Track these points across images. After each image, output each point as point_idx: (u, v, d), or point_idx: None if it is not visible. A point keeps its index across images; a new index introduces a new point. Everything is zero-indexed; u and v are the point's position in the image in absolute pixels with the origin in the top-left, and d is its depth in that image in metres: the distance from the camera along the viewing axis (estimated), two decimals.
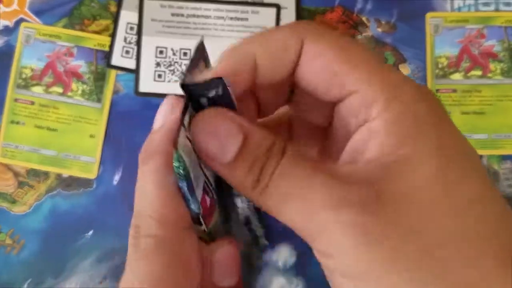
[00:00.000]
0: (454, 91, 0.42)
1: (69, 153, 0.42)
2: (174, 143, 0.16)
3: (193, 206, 0.17)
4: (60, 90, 0.42)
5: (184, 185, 0.17)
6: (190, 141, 0.17)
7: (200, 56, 0.18)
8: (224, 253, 0.19)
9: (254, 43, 0.18)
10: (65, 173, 0.41)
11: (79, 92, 0.42)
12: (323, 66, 0.17)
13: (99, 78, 0.42)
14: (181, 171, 0.16)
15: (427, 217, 0.15)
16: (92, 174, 0.41)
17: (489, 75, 0.42)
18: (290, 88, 0.20)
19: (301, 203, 0.16)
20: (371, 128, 0.17)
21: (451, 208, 0.15)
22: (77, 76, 0.42)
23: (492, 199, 0.16)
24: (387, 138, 0.16)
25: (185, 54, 0.42)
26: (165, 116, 0.18)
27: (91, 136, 0.42)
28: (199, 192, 0.18)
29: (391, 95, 0.16)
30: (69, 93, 0.42)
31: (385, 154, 0.16)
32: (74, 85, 0.42)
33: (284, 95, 0.20)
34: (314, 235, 0.16)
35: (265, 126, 0.19)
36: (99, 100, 0.42)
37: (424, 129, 0.16)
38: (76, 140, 0.42)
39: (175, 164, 0.16)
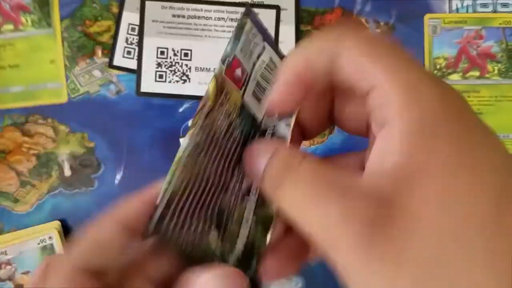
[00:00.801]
0: None
1: (36, 84, 0.43)
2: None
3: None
4: (11, 27, 0.43)
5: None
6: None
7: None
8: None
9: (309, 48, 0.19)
10: (38, 103, 0.42)
11: (29, 23, 0.43)
12: (352, 59, 0.18)
13: (44, 4, 0.43)
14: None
15: (429, 237, 0.15)
16: (62, 99, 0.42)
17: (487, 75, 0.42)
18: (331, 98, 0.21)
19: (316, 216, 0.16)
20: (388, 134, 0.16)
21: (452, 230, 0.15)
22: (23, 9, 0.43)
23: (503, 223, 0.15)
24: (402, 147, 0.16)
25: (185, 54, 0.43)
26: None
27: (51, 61, 0.43)
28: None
29: (409, 97, 0.16)
30: (20, 27, 0.43)
31: (400, 165, 0.16)
32: (23, 18, 0.43)
33: (324, 111, 0.21)
34: (326, 248, 0.16)
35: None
36: (49, 25, 0.43)
37: (439, 139, 0.16)
38: (39, 69, 0.43)
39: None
